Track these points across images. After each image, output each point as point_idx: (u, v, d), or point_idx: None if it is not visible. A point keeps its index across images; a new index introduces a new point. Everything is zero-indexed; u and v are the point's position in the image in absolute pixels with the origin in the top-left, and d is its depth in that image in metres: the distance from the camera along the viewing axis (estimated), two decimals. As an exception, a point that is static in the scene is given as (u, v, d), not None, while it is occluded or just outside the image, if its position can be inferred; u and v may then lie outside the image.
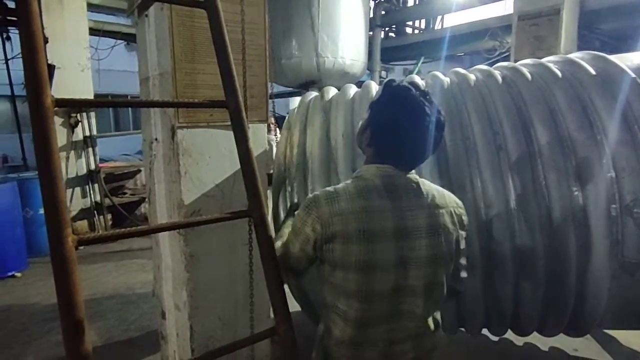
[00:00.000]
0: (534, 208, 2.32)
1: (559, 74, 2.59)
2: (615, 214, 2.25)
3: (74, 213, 6.40)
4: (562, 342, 3.30)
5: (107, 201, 6.74)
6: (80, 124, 6.38)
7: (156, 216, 2.63)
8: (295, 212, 1.48)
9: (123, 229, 1.30)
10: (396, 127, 1.33)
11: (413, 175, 1.41)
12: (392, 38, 11.48)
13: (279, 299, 1.55)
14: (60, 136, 6.30)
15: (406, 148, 1.36)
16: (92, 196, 6.60)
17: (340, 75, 6.72)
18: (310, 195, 1.41)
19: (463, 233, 1.45)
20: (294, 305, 3.12)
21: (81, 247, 1.17)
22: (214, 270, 2.35)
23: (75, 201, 6.43)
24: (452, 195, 1.48)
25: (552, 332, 2.65)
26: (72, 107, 6.09)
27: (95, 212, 6.62)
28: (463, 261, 1.53)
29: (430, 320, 1.43)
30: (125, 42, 9.54)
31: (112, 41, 8.24)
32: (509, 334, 2.83)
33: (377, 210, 1.31)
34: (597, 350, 3.32)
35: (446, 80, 2.82)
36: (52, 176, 1.12)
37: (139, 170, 7.52)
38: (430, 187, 1.43)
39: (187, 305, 2.29)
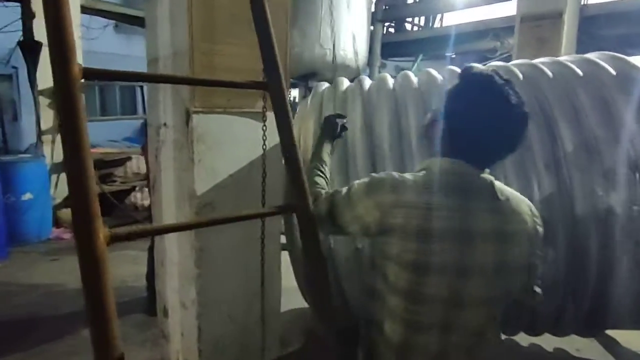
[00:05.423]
0: (558, 206, 2.28)
1: (580, 72, 2.56)
2: (637, 214, 2.23)
3: (59, 200, 6.13)
4: (566, 342, 3.28)
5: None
6: (67, 106, 6.15)
7: (161, 206, 2.47)
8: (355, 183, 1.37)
9: (159, 225, 1.18)
10: (474, 116, 1.20)
11: (487, 174, 1.27)
12: (391, 34, 11.35)
13: (324, 300, 1.46)
14: (47, 119, 6.13)
15: (483, 140, 1.22)
16: (80, 183, 6.36)
17: (341, 68, 6.59)
18: (378, 174, 1.33)
19: (538, 246, 1.31)
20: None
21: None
22: (225, 266, 2.23)
23: (60, 188, 6.15)
24: (529, 203, 1.33)
25: (566, 331, 2.63)
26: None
27: (83, 200, 6.38)
28: (537, 278, 1.38)
29: (488, 334, 1.32)
30: (115, 24, 9.33)
31: (101, 24, 8.02)
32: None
33: (442, 208, 1.19)
34: (599, 351, 3.32)
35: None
36: (79, 149, 0.98)
37: (130, 158, 7.21)
38: (506, 189, 1.30)
39: (196, 303, 2.16)
